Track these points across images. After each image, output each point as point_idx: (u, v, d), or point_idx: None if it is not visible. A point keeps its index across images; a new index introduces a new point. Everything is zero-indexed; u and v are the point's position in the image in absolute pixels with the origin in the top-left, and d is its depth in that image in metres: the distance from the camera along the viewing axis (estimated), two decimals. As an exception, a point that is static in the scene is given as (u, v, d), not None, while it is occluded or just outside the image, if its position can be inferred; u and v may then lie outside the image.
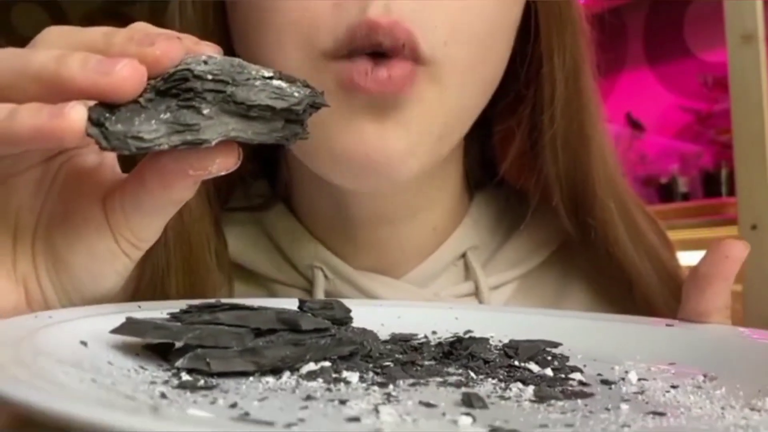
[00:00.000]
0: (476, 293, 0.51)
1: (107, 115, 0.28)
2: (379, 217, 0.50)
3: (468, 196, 0.56)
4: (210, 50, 0.31)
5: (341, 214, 0.50)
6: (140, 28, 0.32)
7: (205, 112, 0.29)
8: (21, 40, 0.35)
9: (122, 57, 0.29)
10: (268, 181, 0.56)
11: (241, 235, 0.53)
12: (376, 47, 0.39)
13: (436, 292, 0.51)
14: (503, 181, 0.55)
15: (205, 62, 0.29)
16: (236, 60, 0.30)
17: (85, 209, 0.34)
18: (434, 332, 0.41)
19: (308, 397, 0.25)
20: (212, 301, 0.30)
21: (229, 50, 0.47)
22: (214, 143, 0.29)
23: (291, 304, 0.33)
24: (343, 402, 0.24)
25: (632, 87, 2.69)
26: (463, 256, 0.53)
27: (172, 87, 0.29)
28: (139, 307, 0.36)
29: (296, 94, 0.30)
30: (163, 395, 0.24)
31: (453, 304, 0.46)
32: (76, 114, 0.28)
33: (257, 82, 0.30)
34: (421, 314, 0.43)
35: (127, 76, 0.28)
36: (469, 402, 0.25)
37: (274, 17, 0.42)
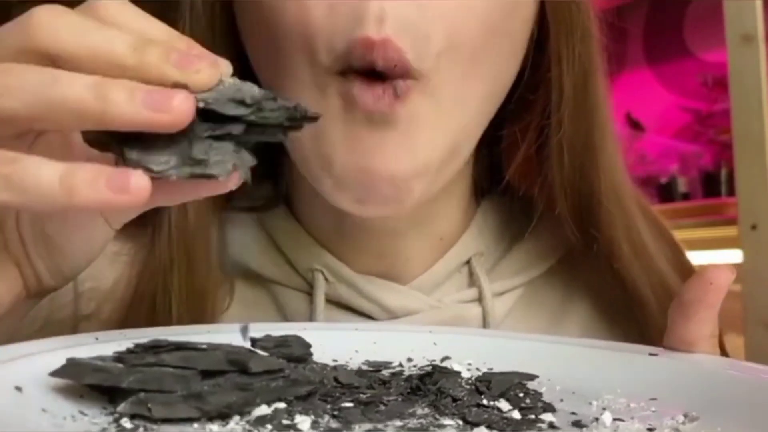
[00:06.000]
0: (480, 299, 0.50)
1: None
2: (383, 229, 0.49)
3: (474, 204, 0.55)
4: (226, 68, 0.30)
5: (342, 223, 0.49)
6: (168, 38, 0.30)
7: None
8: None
9: (168, 87, 0.27)
10: (271, 182, 0.55)
11: (243, 236, 0.52)
12: (369, 66, 0.39)
13: (440, 298, 0.50)
14: (510, 188, 0.54)
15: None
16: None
17: None
18: (410, 359, 0.39)
19: (251, 451, 0.23)
20: (160, 339, 0.28)
21: (238, 49, 0.46)
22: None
23: (244, 340, 0.31)
24: (286, 457, 0.22)
25: (632, 87, 2.67)
26: (468, 262, 0.52)
27: None
28: (97, 339, 0.34)
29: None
30: (94, 450, 0.22)
31: (432, 328, 0.44)
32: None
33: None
34: (398, 339, 0.41)
35: (185, 110, 0.27)
36: (423, 457, 0.23)
37: (273, 18, 0.41)
